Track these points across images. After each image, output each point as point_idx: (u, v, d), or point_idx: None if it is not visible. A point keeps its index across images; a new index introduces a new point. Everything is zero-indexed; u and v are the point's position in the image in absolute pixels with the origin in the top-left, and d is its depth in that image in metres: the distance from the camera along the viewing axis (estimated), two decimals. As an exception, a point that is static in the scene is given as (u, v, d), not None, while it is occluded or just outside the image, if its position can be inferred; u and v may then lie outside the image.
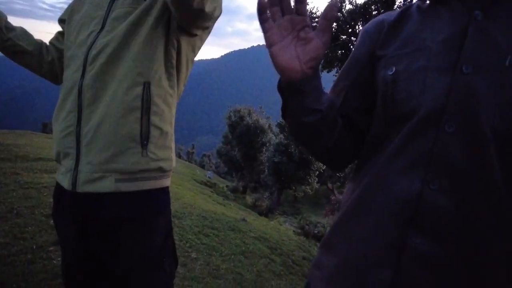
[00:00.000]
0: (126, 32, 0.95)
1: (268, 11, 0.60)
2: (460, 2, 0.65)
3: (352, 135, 0.76)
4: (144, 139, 0.96)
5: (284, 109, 0.70)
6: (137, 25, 0.96)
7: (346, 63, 0.81)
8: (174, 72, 1.04)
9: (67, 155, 0.99)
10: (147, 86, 0.96)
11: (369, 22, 0.79)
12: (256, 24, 12.79)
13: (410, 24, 0.71)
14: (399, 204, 0.62)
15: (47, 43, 1.18)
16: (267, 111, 27.73)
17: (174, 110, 1.08)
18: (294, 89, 0.64)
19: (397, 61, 0.68)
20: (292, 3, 0.62)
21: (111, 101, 0.94)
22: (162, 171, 1.03)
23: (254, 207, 16.87)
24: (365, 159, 0.73)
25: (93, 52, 0.96)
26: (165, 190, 1.07)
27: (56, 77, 1.19)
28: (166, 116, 1.02)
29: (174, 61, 1.03)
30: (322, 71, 13.41)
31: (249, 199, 18.96)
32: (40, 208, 3.45)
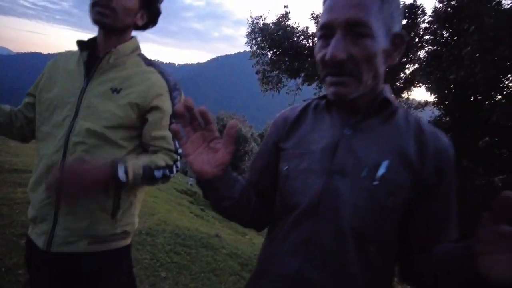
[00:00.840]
0: (102, 132, 1.13)
1: (183, 131, 0.76)
2: (339, 117, 0.83)
3: (269, 207, 0.94)
4: (114, 211, 1.17)
5: (204, 197, 0.87)
6: (112, 129, 1.14)
7: (262, 145, 0.99)
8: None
9: (44, 220, 1.16)
10: None
11: (278, 115, 0.96)
12: (243, 30, 13.06)
13: (305, 125, 0.89)
14: (285, 279, 0.81)
15: (16, 110, 1.31)
16: (251, 119, 27.88)
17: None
18: (209, 186, 0.81)
19: (290, 159, 0.84)
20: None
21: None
22: (126, 234, 1.25)
23: (234, 216, 16.80)
24: (271, 229, 0.92)
25: (74, 139, 1.13)
26: (128, 247, 1.29)
27: (25, 139, 1.34)
28: (134, 192, 1.24)
29: (141, 149, 1.23)
30: (303, 84, 13.76)
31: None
32: (11, 227, 3.43)
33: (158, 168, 1.17)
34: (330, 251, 0.75)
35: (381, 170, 0.75)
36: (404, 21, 11.49)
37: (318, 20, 12.92)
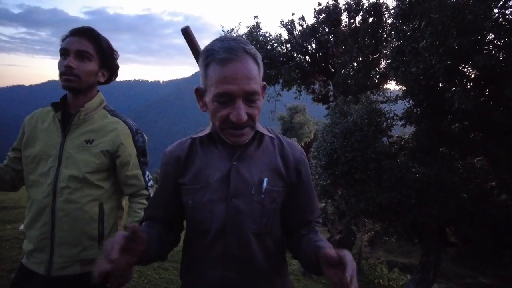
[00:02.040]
0: (83, 177, 1.40)
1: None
2: (225, 150, 1.03)
3: (174, 235, 1.14)
4: (100, 238, 1.46)
5: None
6: (92, 173, 1.42)
7: (161, 184, 1.11)
8: (119, 192, 1.55)
9: (42, 251, 1.41)
10: (101, 205, 1.46)
11: (168, 154, 1.09)
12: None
13: (197, 160, 1.05)
14: (210, 285, 1.03)
15: (3, 165, 1.55)
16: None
17: (122, 211, 1.58)
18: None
19: (193, 193, 1.01)
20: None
21: (77, 217, 1.40)
22: None
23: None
24: (187, 249, 1.11)
25: (60, 185, 1.39)
26: None
27: (15, 188, 1.60)
28: (115, 219, 1.52)
29: (115, 187, 1.53)
30: (283, 89, 14.05)
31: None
32: (2, 263, 3.59)
33: (141, 223, 1.46)
34: (241, 256, 1.00)
35: (264, 185, 1.01)
36: (370, 19, 11.93)
37: (288, 27, 13.04)
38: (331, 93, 13.22)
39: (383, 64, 11.60)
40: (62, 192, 1.39)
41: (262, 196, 1.01)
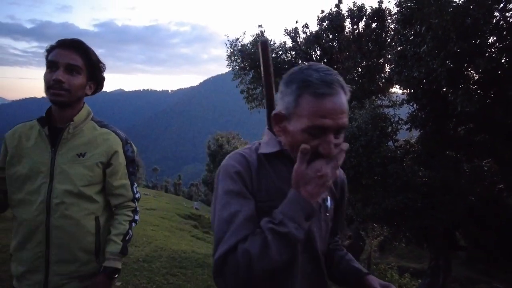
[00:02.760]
0: (79, 191, 1.39)
1: None
2: (289, 161, 0.97)
3: None
4: (97, 252, 1.45)
5: None
6: (87, 187, 1.42)
7: (238, 199, 0.91)
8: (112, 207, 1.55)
9: (37, 271, 1.36)
10: (97, 218, 1.45)
11: (235, 164, 0.95)
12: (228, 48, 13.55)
13: (269, 176, 0.96)
14: None
15: None
16: (247, 135, 28.20)
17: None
18: None
19: (271, 209, 0.88)
20: None
21: (74, 232, 1.37)
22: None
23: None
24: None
25: (54, 201, 1.35)
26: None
27: (3, 209, 1.53)
28: (109, 231, 1.50)
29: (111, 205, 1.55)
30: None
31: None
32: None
33: (125, 235, 1.50)
34: (313, 274, 1.03)
35: (328, 204, 1.05)
36: (373, 25, 12.00)
37: (292, 35, 13.16)
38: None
39: (387, 68, 11.64)
40: (57, 208, 1.35)
41: (327, 214, 1.04)
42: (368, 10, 11.77)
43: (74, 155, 1.41)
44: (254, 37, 13.07)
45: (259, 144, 1.04)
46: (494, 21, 5.96)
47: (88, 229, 1.41)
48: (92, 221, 1.43)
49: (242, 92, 13.81)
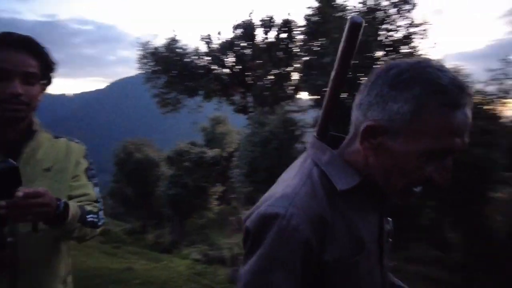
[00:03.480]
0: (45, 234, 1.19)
1: None
2: (372, 201, 0.73)
3: None
4: (65, 278, 1.25)
5: None
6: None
7: (288, 278, 0.64)
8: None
9: None
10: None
11: (303, 219, 0.64)
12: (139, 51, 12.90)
13: (345, 219, 0.68)
14: None
15: None
16: (159, 141, 27.16)
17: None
18: None
19: (353, 268, 0.68)
20: None
21: (42, 258, 1.20)
22: None
23: (155, 245, 16.30)
24: None
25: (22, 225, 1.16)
26: None
27: None
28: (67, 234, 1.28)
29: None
30: (202, 101, 14.15)
31: (151, 237, 18.23)
32: None
33: (89, 212, 1.27)
34: None
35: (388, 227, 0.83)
36: (283, 35, 12.84)
37: (207, 41, 13.20)
38: (250, 104, 13.77)
39: (295, 76, 12.55)
40: (23, 236, 1.18)
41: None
42: (278, 21, 12.56)
43: (40, 171, 1.24)
44: (168, 40, 12.78)
45: (316, 166, 0.72)
46: (379, 39, 6.98)
47: (56, 253, 1.26)
48: (59, 245, 1.27)
49: (155, 96, 13.32)
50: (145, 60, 12.91)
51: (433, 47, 7.63)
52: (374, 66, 6.97)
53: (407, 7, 7.25)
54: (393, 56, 7.17)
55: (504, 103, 9.60)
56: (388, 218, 0.81)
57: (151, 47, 12.86)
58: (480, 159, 7.07)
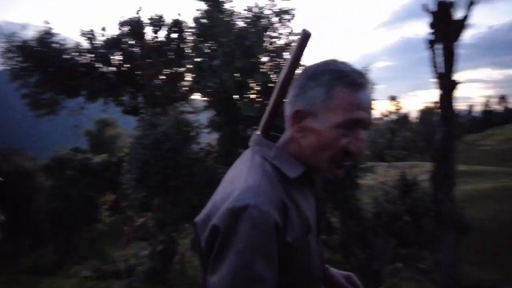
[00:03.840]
0: None
1: None
2: (309, 186, 0.87)
3: None
4: None
5: None
6: None
7: (261, 263, 0.67)
8: None
9: None
10: None
11: (268, 204, 0.71)
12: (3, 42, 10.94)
13: (297, 202, 0.79)
14: None
15: None
16: (33, 148, 23.63)
17: None
18: None
19: (307, 244, 0.80)
20: None
21: None
22: None
23: (33, 268, 14.18)
24: None
25: None
26: None
27: None
28: None
29: None
30: (85, 102, 12.91)
31: (28, 260, 15.75)
32: None
33: None
34: None
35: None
36: (174, 35, 12.66)
37: (90, 36, 12.07)
38: (142, 105, 13.16)
39: (188, 77, 12.52)
40: None
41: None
42: (168, 21, 12.31)
43: None
44: (40, 33, 11.22)
45: (265, 160, 0.81)
46: (265, 45, 7.55)
47: None
48: None
49: (25, 96, 11.56)
50: (11, 55, 11.10)
51: (311, 54, 8.63)
52: (260, 70, 7.52)
53: (287, 16, 8.02)
54: (277, 61, 7.85)
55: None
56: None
57: (18, 40, 11.11)
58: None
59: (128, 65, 12.27)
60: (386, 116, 48.69)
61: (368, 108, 0.80)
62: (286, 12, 8.00)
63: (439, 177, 6.57)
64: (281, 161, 0.80)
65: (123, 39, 12.05)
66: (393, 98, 47.43)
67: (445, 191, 6.55)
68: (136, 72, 12.71)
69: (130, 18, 12.01)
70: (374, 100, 0.91)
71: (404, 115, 47.41)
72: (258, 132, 0.88)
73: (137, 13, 12.05)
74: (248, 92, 7.91)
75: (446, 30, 6.47)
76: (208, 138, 10.20)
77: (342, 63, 0.83)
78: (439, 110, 6.68)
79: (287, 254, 0.73)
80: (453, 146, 6.55)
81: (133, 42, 12.19)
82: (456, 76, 6.54)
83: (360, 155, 0.83)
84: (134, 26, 11.97)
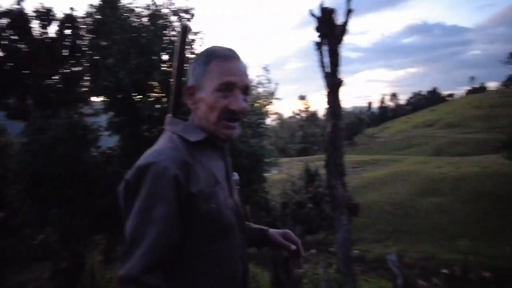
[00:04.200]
0: None
1: None
2: (216, 150, 1.04)
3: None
4: None
5: None
6: None
7: (159, 211, 0.85)
8: None
9: None
10: None
11: (170, 160, 0.88)
12: None
13: (201, 161, 0.96)
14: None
15: None
16: None
17: None
18: None
19: (216, 195, 0.95)
20: None
21: None
22: None
23: None
24: (201, 256, 0.95)
25: None
26: None
27: None
28: None
29: None
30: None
31: None
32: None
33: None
34: (243, 247, 1.08)
35: (236, 178, 1.13)
36: (68, 31, 11.58)
37: None
38: (32, 108, 11.75)
39: (85, 77, 11.59)
40: None
41: (238, 187, 1.13)
42: (59, 15, 11.20)
43: None
44: None
45: (173, 133, 0.99)
46: (164, 44, 7.43)
47: None
48: None
49: None
50: None
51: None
52: (161, 68, 7.38)
53: (187, 16, 8.00)
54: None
55: (270, 102, 12.13)
56: (234, 172, 1.12)
57: None
58: (255, 148, 8.61)
59: (12, 63, 10.83)
60: (298, 114, 51.98)
61: (241, 74, 0.99)
62: (186, 11, 7.99)
63: (330, 166, 7.31)
64: (187, 131, 0.98)
65: (3, 33, 10.59)
66: (302, 98, 50.85)
67: (336, 178, 7.32)
68: (23, 72, 11.29)
69: (8, 9, 10.60)
70: (247, 68, 1.12)
71: (313, 113, 51.23)
72: (169, 115, 1.05)
73: (18, 4, 10.69)
74: (150, 91, 7.70)
75: (330, 33, 7.21)
76: (114, 142, 9.61)
77: (215, 45, 1.06)
78: (328, 106, 7.43)
79: (193, 203, 0.89)
80: (340, 137, 7.35)
81: (16, 37, 10.79)
82: (340, 75, 7.34)
83: (243, 113, 0.99)
84: (17, 19, 10.62)
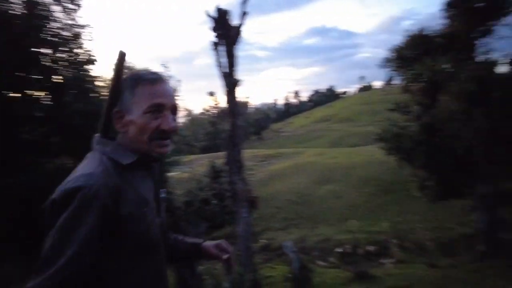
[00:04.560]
0: None
1: None
2: (144, 170, 1.07)
3: None
4: None
5: None
6: None
7: (83, 231, 0.85)
8: None
9: None
10: None
11: (99, 185, 0.88)
12: None
13: (132, 183, 0.99)
14: None
15: None
16: None
17: None
18: None
19: (144, 216, 0.99)
20: None
21: None
22: None
23: None
24: (129, 274, 0.98)
25: None
26: None
27: None
28: None
29: None
30: None
31: None
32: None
33: None
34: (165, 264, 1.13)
35: (163, 196, 1.17)
36: None
37: None
38: None
39: None
40: None
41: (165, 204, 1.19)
42: None
43: None
44: None
45: (103, 155, 1.00)
46: (45, 36, 6.70)
47: None
48: None
49: None
50: None
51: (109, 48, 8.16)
52: (42, 62, 6.63)
53: (72, 6, 7.32)
54: (64, 54, 7.11)
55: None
56: (162, 190, 1.16)
57: None
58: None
59: None
60: (208, 111, 51.86)
61: (169, 95, 1.05)
62: (71, 1, 7.31)
63: (230, 162, 7.57)
64: (116, 153, 1.00)
65: None
66: (211, 94, 50.87)
67: (236, 173, 7.61)
68: None
69: None
70: (174, 89, 1.46)
71: (223, 109, 51.73)
72: (98, 134, 1.05)
73: None
74: (30, 89, 6.86)
75: (225, 34, 7.42)
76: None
77: (140, 70, 1.16)
78: (227, 105, 7.66)
79: (123, 224, 0.92)
80: (239, 135, 7.66)
81: None
82: (237, 75, 7.63)
83: (173, 131, 1.05)
84: None
